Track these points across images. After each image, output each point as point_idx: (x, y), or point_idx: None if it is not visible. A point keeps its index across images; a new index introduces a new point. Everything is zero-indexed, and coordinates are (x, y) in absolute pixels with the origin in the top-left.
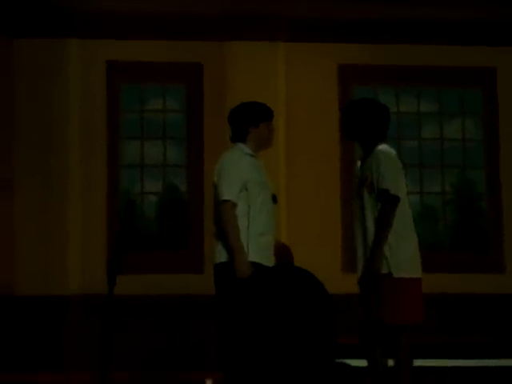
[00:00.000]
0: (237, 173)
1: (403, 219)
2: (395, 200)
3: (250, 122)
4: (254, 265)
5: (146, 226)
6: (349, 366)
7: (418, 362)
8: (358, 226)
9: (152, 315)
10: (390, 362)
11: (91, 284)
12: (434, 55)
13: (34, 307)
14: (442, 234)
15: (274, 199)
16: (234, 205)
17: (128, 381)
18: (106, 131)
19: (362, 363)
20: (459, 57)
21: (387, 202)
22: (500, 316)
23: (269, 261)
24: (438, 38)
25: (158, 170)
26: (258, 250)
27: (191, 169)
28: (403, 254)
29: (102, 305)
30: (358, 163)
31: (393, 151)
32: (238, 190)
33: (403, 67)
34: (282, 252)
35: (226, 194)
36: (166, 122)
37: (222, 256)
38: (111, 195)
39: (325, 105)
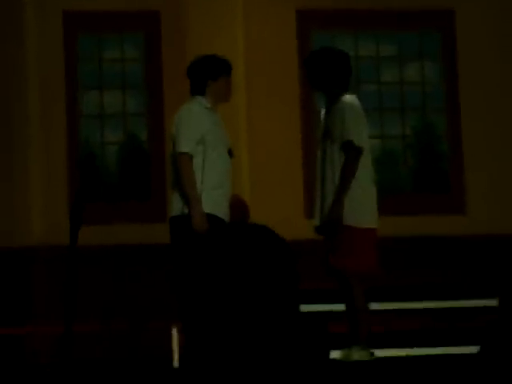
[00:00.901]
0: (194, 126)
1: (365, 171)
2: (359, 151)
3: (209, 75)
4: (209, 217)
5: (107, 177)
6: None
7: (377, 305)
8: (318, 175)
9: (115, 265)
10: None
11: (54, 234)
12: None
13: None
14: (404, 178)
15: (230, 153)
16: (191, 157)
17: (94, 332)
18: (64, 82)
19: (325, 307)
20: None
21: (351, 153)
22: (461, 257)
23: (223, 214)
24: None
25: (118, 119)
26: (212, 202)
27: (151, 118)
28: (363, 205)
29: (65, 255)
30: (322, 112)
31: (357, 101)
32: (195, 142)
33: (361, 11)
34: (238, 205)
35: (184, 147)
36: (125, 71)
37: (177, 209)
38: (71, 145)
39: (284, 50)
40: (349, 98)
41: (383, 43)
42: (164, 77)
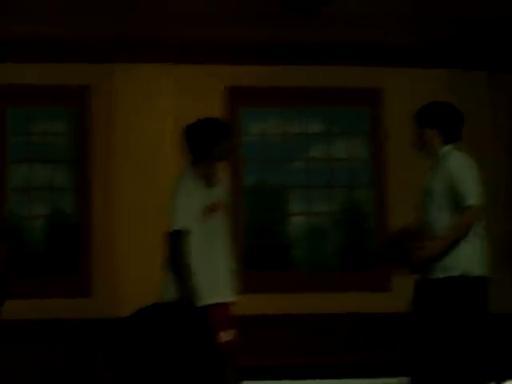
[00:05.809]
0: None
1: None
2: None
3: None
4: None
5: (34, 250)
6: None
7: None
8: None
9: (40, 340)
10: None
11: None
12: (322, 76)
13: None
14: (331, 255)
15: None
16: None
17: None
18: None
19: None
20: (347, 77)
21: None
22: (386, 335)
23: None
24: (325, 58)
25: (46, 193)
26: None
27: (79, 192)
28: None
29: None
30: None
31: None
32: None
33: (290, 88)
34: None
35: None
36: (54, 144)
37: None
38: None
39: None
40: None
41: (311, 120)
42: (92, 151)
